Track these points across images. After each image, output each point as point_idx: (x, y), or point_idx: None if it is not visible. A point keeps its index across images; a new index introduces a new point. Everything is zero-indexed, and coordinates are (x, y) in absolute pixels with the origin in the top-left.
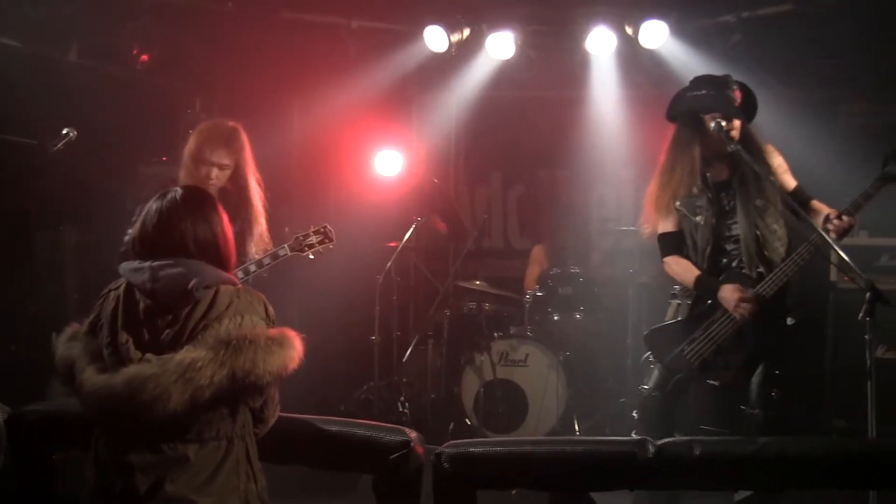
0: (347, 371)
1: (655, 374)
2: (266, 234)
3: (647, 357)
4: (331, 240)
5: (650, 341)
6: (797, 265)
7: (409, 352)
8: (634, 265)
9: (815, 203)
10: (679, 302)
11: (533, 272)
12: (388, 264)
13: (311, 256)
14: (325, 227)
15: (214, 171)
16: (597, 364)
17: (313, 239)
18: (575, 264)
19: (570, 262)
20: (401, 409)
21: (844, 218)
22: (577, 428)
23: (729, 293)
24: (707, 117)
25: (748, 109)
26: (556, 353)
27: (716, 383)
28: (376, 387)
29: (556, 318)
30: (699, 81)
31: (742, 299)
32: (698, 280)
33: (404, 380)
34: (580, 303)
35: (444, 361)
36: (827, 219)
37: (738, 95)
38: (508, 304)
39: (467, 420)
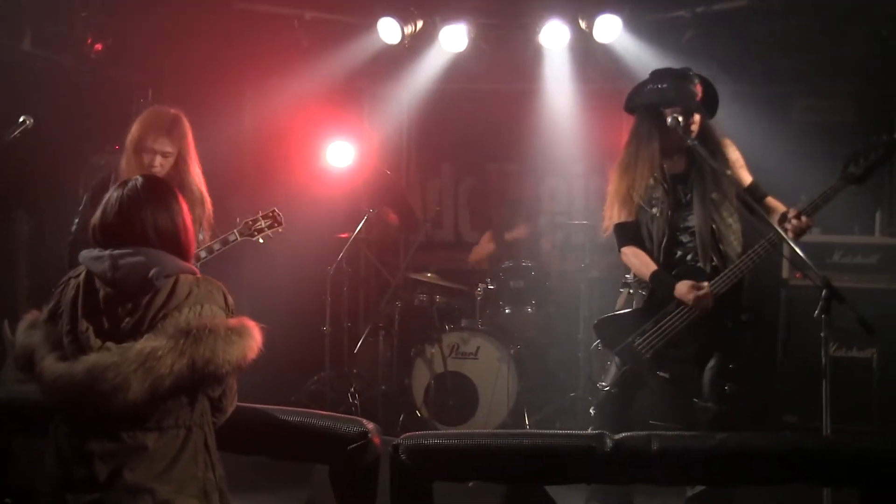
0: (298, 362)
1: (613, 370)
2: (212, 219)
3: (597, 345)
4: (280, 223)
5: (600, 330)
6: (753, 262)
7: (360, 343)
8: (586, 259)
9: (771, 200)
10: (631, 291)
11: (481, 250)
12: (340, 256)
13: (262, 241)
14: (273, 212)
15: (158, 159)
16: (547, 358)
17: (262, 223)
18: (527, 258)
19: (521, 256)
20: (351, 401)
21: (803, 218)
22: (527, 421)
23: (685, 291)
24: (667, 111)
25: (709, 104)
26: (506, 347)
27: (666, 375)
28: (327, 378)
29: (507, 311)
30: (660, 74)
31: (698, 296)
32: (654, 275)
33: (355, 371)
34: (532, 296)
35: (395, 353)
36: (784, 217)
37: (699, 90)
38: (459, 297)
39: (418, 412)
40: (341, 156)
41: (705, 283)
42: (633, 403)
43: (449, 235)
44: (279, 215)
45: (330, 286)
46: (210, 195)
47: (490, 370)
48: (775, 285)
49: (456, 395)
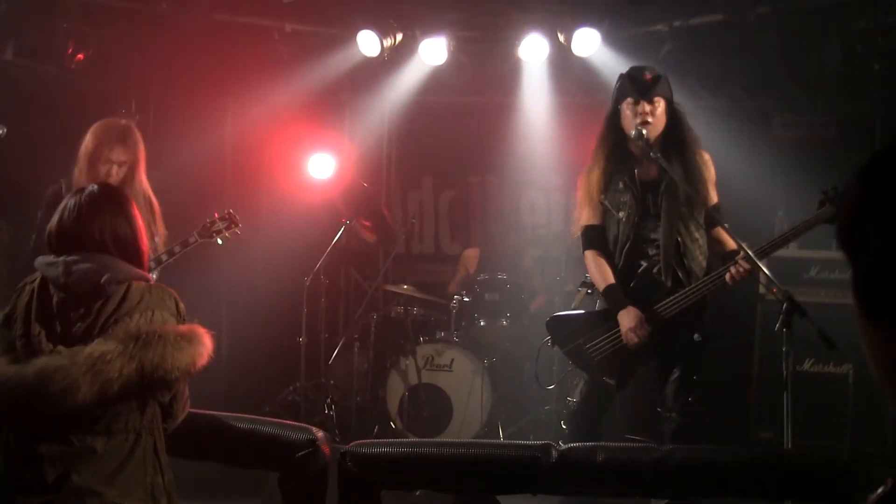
0: (274, 372)
1: (582, 386)
2: (162, 224)
3: (546, 342)
4: (236, 224)
5: (552, 327)
6: (714, 285)
7: (335, 354)
8: (561, 273)
9: (721, 231)
10: (590, 291)
11: (459, 275)
12: (317, 266)
13: (220, 241)
14: (229, 212)
15: (114, 169)
16: (522, 370)
17: (220, 225)
18: (503, 271)
19: (497, 269)
20: (326, 412)
21: (744, 264)
22: (501, 434)
23: (626, 319)
24: (624, 106)
25: (662, 87)
26: (481, 359)
27: (611, 382)
28: (302, 388)
29: (482, 323)
30: (621, 75)
31: (634, 329)
32: (608, 290)
33: (331, 382)
34: (507, 309)
35: (370, 364)
36: (731, 254)
37: (648, 78)
38: (435, 309)
39: (392, 424)
40: (322, 167)
41: (648, 328)
42: (604, 418)
43: (429, 248)
44: (235, 216)
45: (306, 297)
46: (192, 205)
47: (464, 382)
48: (751, 301)
49: (430, 407)
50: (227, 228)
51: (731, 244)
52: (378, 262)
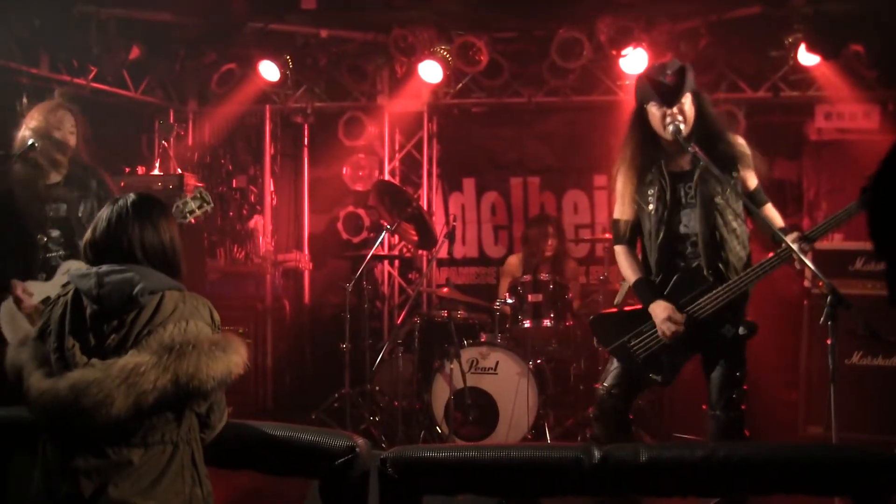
0: (319, 380)
1: (613, 372)
2: None
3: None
4: (208, 203)
5: (596, 326)
6: (758, 277)
7: (379, 360)
8: (605, 272)
9: (769, 210)
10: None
11: (505, 283)
12: (359, 272)
13: (193, 221)
14: (200, 192)
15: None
16: (568, 371)
17: (192, 205)
18: (546, 272)
19: (540, 270)
20: (372, 418)
21: (803, 245)
22: (548, 436)
23: (658, 311)
24: (650, 107)
25: (686, 83)
26: (526, 361)
27: (658, 379)
28: (348, 395)
29: (526, 325)
30: (641, 76)
31: (668, 319)
32: (637, 284)
33: (377, 388)
34: (550, 309)
35: (415, 369)
36: (783, 232)
37: (671, 80)
38: (479, 312)
39: (438, 428)
40: (362, 172)
41: (681, 316)
42: (633, 405)
43: (472, 251)
44: (206, 194)
45: (349, 303)
46: (231, 211)
47: (510, 385)
48: (798, 295)
49: (476, 411)
50: (199, 208)
51: (779, 221)
52: (421, 267)
